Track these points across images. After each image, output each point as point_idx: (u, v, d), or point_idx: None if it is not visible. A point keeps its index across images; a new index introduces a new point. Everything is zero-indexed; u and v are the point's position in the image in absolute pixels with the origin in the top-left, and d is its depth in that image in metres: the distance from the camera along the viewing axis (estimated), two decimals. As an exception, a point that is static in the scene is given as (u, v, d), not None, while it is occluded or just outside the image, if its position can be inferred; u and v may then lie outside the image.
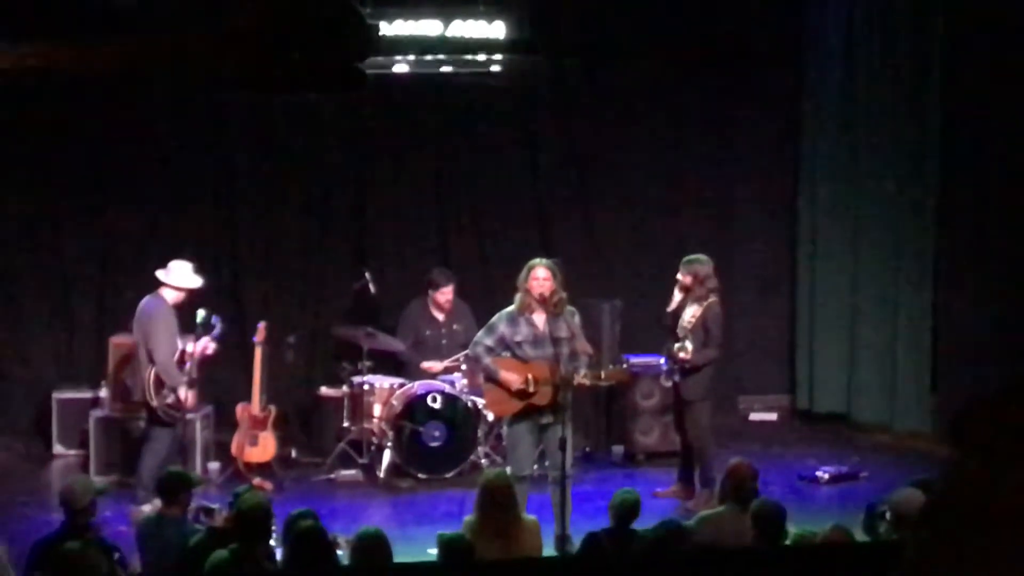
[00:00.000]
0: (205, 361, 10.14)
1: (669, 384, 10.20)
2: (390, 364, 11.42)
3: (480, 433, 10.77)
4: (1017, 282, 11.03)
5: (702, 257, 10.10)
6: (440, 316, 11.37)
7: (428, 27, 10.77)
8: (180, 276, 9.99)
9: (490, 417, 10.55)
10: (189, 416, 10.11)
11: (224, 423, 11.15)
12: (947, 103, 11.62)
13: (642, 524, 7.20)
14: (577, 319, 9.12)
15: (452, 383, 10.88)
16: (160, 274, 9.94)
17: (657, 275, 11.25)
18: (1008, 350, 10.80)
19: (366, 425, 10.78)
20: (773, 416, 13.04)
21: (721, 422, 11.31)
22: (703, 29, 12.57)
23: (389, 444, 10.67)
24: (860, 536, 7.02)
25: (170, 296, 9.90)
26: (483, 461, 10.64)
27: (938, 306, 11.82)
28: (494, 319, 9.10)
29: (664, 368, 10.18)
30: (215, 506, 7.85)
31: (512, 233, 12.46)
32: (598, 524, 7.66)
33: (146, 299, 9.94)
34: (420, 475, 10.61)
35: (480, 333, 9.20)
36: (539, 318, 8.95)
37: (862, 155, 12.36)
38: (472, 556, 6.44)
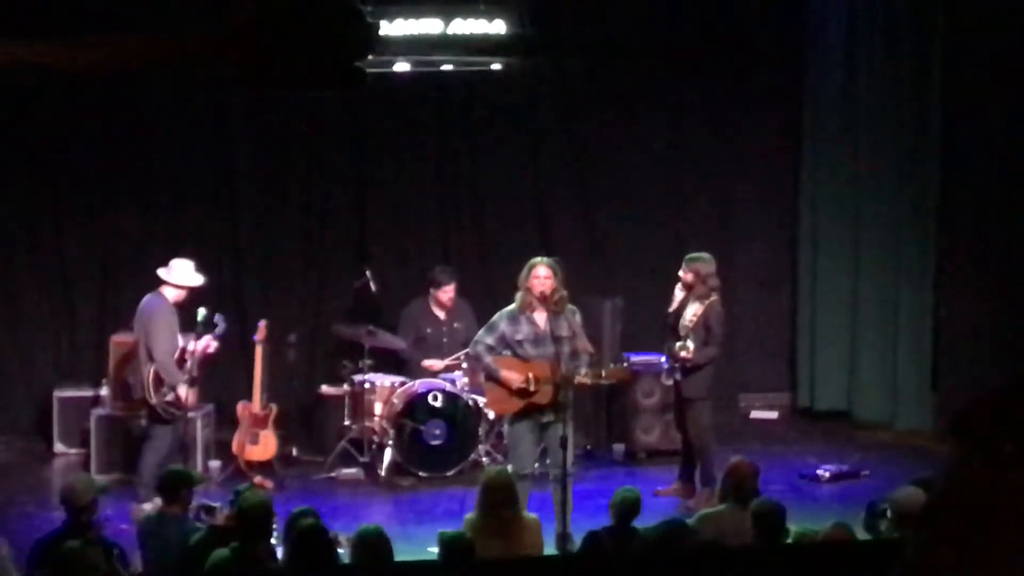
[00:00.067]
0: (206, 359, 10.14)
1: (670, 382, 10.21)
2: (391, 362, 11.42)
3: (481, 431, 10.77)
4: (1017, 282, 11.04)
5: (704, 255, 10.09)
6: (441, 314, 11.37)
7: (429, 26, 10.76)
8: (181, 274, 9.99)
9: (491, 415, 10.55)
10: (190, 414, 10.09)
11: (225, 421, 11.16)
12: (947, 103, 11.62)
13: (643, 522, 7.21)
14: (578, 318, 9.12)
15: (453, 381, 10.88)
16: (161, 272, 9.94)
17: (658, 274, 11.27)
18: (1008, 350, 10.82)
19: (367, 423, 10.78)
20: (774, 414, 13.03)
21: (722, 420, 11.29)
22: (703, 29, 12.58)
23: (390, 442, 10.67)
24: (861, 534, 7.02)
25: (171, 294, 9.90)
26: (484, 459, 10.62)
27: (938, 306, 11.82)
28: (495, 318, 9.11)
29: (665, 366, 10.19)
30: (216, 504, 7.84)
31: (513, 232, 12.46)
32: (599, 522, 7.66)
33: (147, 297, 9.94)
34: (421, 473, 10.62)
35: (481, 332, 9.21)
36: (540, 317, 8.96)
37: (862, 155, 12.36)
38: (473, 554, 6.45)
